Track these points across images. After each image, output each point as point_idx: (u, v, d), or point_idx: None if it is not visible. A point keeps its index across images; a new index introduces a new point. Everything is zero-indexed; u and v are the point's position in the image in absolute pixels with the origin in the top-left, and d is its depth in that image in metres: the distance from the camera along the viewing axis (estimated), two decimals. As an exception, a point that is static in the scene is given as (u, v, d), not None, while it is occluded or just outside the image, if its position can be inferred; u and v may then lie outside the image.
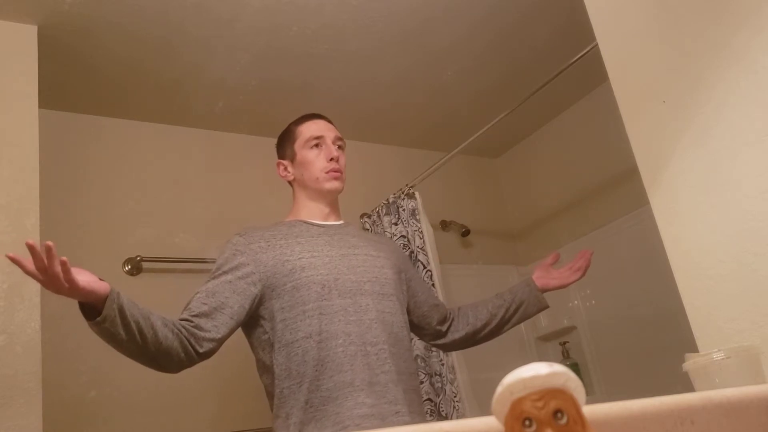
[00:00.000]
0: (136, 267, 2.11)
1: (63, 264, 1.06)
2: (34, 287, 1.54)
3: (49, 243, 1.04)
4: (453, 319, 1.68)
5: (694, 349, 1.20)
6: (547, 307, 1.69)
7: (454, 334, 1.67)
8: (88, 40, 1.97)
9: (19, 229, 1.60)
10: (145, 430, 1.97)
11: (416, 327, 1.62)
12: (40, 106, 1.73)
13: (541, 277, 1.69)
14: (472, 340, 1.69)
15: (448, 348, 1.87)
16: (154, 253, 2.15)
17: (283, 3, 2.00)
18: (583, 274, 1.69)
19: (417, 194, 2.43)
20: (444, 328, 1.66)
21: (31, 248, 1.04)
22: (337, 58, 2.26)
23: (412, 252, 2.36)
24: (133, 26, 1.96)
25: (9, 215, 1.60)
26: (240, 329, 1.43)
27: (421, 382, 2.21)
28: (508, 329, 1.68)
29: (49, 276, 1.06)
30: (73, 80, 2.10)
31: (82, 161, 2.17)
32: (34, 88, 1.74)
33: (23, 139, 1.69)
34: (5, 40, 1.76)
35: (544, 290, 1.68)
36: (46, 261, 1.05)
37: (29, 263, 1.06)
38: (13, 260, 1.06)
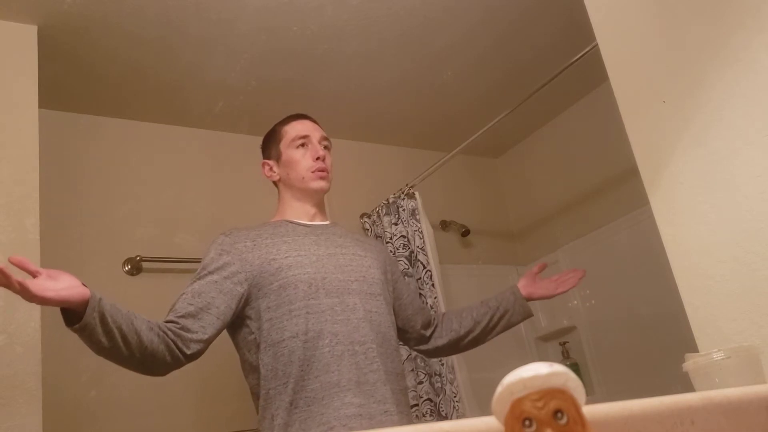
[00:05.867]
0: (136, 267, 2.11)
1: (21, 284, 1.03)
2: (34, 287, 1.53)
3: (1, 266, 1.01)
4: (437, 325, 1.67)
5: (694, 349, 1.20)
6: (531, 315, 1.69)
7: (437, 341, 1.65)
8: (88, 41, 1.97)
9: (19, 229, 1.60)
10: (145, 430, 1.97)
11: (400, 330, 1.60)
12: (40, 106, 1.73)
13: (526, 286, 1.69)
14: (455, 347, 1.68)
15: (430, 354, 1.84)
16: (154, 253, 2.15)
17: (283, 3, 2.00)
18: (567, 289, 1.70)
19: (417, 194, 2.43)
20: (428, 333, 1.65)
21: None
22: (337, 58, 2.26)
23: (411, 252, 2.36)
24: (133, 26, 1.96)
25: (9, 215, 1.60)
26: (225, 330, 1.41)
27: (421, 382, 2.21)
28: (492, 338, 1.67)
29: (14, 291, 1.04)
30: (73, 80, 2.10)
31: (82, 161, 2.17)
32: (34, 88, 1.74)
33: (23, 139, 1.69)
34: (5, 40, 1.76)
35: (529, 299, 1.68)
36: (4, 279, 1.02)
37: None
38: None
